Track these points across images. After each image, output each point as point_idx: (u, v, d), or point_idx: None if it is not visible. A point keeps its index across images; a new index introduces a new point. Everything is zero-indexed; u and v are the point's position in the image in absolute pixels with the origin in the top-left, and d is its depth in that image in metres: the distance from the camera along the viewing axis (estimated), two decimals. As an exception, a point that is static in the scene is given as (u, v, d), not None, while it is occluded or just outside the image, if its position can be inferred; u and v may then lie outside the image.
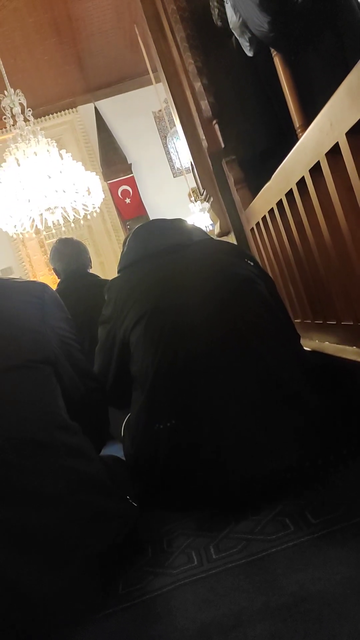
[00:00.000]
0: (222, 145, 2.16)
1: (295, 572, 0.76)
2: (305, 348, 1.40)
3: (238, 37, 1.80)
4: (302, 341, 1.40)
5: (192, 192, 6.18)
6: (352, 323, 1.17)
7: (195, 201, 6.03)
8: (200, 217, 5.87)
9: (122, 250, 1.40)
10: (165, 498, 1.12)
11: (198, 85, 2.11)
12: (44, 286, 1.08)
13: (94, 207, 4.49)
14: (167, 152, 7.33)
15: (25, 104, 4.09)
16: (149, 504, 1.10)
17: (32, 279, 6.62)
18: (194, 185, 5.02)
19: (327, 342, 1.36)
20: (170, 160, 7.33)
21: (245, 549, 0.87)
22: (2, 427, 0.85)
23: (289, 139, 1.69)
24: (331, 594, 0.69)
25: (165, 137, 7.27)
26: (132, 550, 0.97)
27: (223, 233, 2.30)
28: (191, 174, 3.46)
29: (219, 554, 0.89)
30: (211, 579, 0.82)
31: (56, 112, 6.96)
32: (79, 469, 0.90)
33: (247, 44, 1.75)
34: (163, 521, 1.08)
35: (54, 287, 1.97)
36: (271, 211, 1.56)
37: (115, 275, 1.36)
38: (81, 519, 0.86)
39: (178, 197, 6.80)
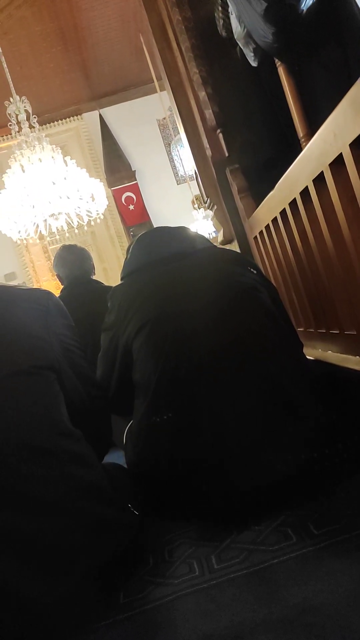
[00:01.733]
0: (226, 154, 2.17)
1: (298, 583, 0.76)
2: (308, 357, 1.39)
3: (242, 48, 1.82)
4: (305, 350, 1.40)
5: (196, 199, 6.20)
6: (355, 332, 1.17)
7: (199, 208, 6.05)
8: (203, 224, 5.89)
9: (126, 257, 1.41)
10: (167, 507, 1.11)
11: (202, 94, 2.13)
12: (48, 294, 1.08)
13: (97, 214, 4.51)
14: (171, 160, 7.37)
15: (30, 111, 4.12)
16: (150, 512, 1.10)
17: (35, 285, 6.67)
18: (198, 192, 5.04)
19: (330, 351, 1.36)
20: (174, 167, 7.37)
21: (247, 560, 0.87)
22: (4, 432, 0.85)
23: (293, 148, 1.70)
24: (334, 607, 0.68)
25: (169, 144, 7.31)
26: (133, 560, 0.96)
27: (226, 241, 2.31)
28: (194, 181, 3.48)
29: (220, 564, 0.88)
30: (213, 589, 0.82)
31: (61, 119, 7.01)
32: (80, 476, 0.90)
33: (252, 54, 1.77)
34: (164, 530, 1.07)
35: (57, 293, 1.98)
36: (274, 220, 1.57)
37: (119, 281, 1.36)
38: (82, 526, 0.86)
39: (181, 204, 6.82)
